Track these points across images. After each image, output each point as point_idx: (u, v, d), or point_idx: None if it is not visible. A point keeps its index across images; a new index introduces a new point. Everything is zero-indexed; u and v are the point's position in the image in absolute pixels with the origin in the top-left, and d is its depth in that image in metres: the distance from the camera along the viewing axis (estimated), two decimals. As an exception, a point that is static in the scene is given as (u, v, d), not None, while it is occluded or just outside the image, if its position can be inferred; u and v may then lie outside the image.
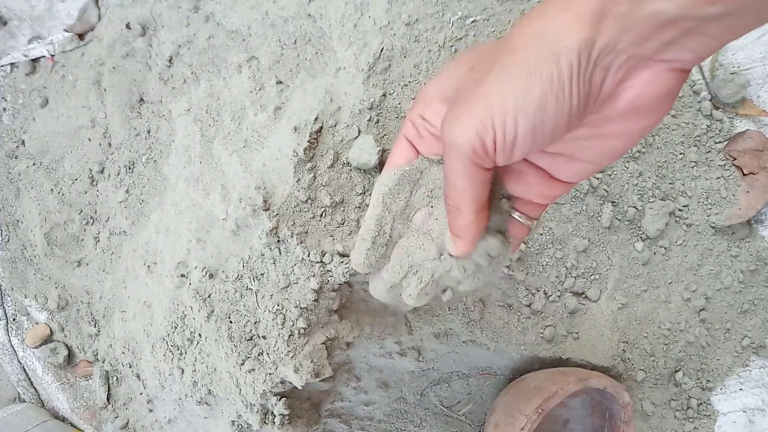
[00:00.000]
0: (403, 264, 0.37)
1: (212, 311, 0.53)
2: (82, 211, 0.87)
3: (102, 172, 0.85)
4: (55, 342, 0.89)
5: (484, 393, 0.70)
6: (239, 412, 0.54)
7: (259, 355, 0.51)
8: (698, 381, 0.73)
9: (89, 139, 0.86)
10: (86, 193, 0.87)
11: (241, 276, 0.53)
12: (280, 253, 0.51)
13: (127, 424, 0.85)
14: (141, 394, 0.77)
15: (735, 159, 0.71)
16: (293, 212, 0.52)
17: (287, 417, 0.51)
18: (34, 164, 0.90)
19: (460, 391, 0.69)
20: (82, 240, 0.88)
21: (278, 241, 0.51)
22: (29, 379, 0.90)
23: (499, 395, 0.68)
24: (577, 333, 0.69)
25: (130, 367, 0.75)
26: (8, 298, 0.91)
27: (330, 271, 0.50)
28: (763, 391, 0.72)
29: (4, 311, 0.91)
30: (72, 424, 0.88)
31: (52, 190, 0.89)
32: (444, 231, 0.36)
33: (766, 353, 0.72)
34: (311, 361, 0.49)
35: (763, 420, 0.72)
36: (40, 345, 0.88)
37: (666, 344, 0.71)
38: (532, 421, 0.59)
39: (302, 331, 0.50)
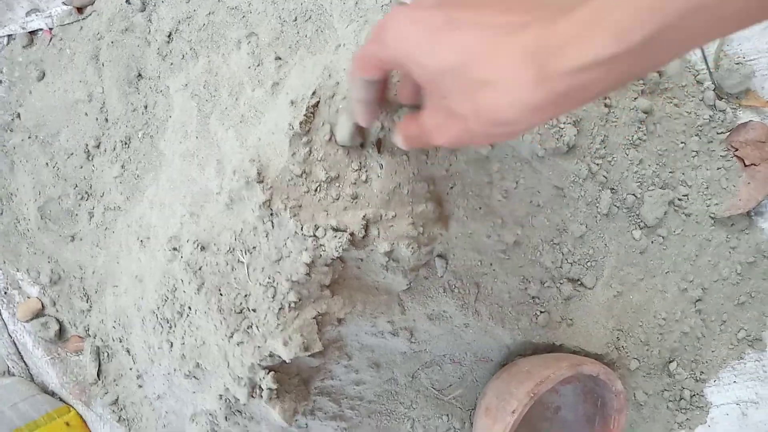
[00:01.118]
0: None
1: (202, 283, 0.52)
2: (77, 186, 0.86)
3: (98, 146, 0.85)
4: (46, 316, 0.88)
5: (476, 377, 0.69)
6: (227, 386, 0.53)
7: (248, 328, 0.50)
8: (692, 372, 0.72)
9: (86, 113, 0.85)
10: (82, 167, 0.86)
11: (233, 249, 0.52)
12: (272, 226, 0.50)
13: (116, 400, 0.85)
14: (131, 369, 0.76)
15: (737, 150, 0.71)
16: (287, 186, 0.51)
17: (275, 391, 0.51)
18: (29, 137, 0.89)
19: (452, 374, 0.68)
20: (77, 215, 0.87)
21: (271, 214, 0.50)
22: (19, 353, 0.89)
23: (490, 379, 0.67)
24: (571, 320, 0.68)
25: (121, 341, 0.74)
26: (0, 272, 0.91)
27: (323, 245, 0.49)
28: (757, 384, 0.72)
29: (-4, 285, 0.91)
30: (61, 399, 0.87)
31: (47, 164, 0.88)
32: None
33: (761, 346, 0.72)
34: (301, 335, 0.48)
35: (756, 413, 0.72)
36: (31, 319, 0.88)
37: (661, 334, 0.70)
38: (524, 404, 0.59)
39: (293, 304, 0.49)
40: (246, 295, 0.51)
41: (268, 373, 0.50)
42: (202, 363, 0.55)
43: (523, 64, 0.28)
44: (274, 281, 0.49)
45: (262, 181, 0.51)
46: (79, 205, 0.87)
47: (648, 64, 0.28)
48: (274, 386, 0.50)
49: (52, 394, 0.88)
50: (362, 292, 0.55)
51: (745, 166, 0.70)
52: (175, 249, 0.59)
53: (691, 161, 0.69)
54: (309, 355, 0.52)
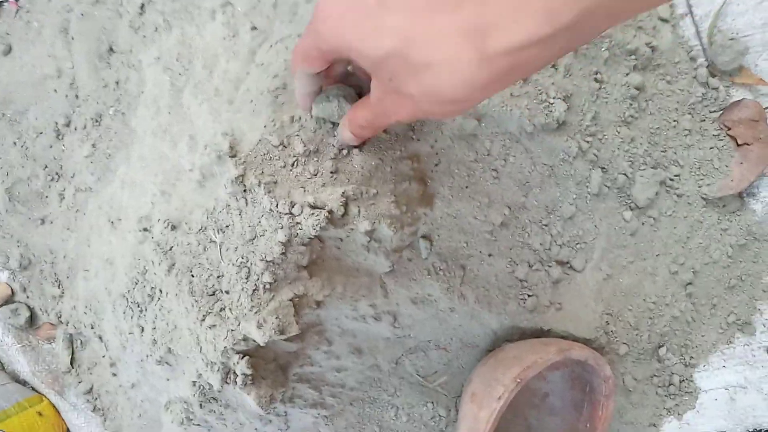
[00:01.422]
0: None
1: (173, 264, 0.49)
2: (46, 167, 0.83)
3: (68, 125, 0.81)
4: (16, 303, 0.85)
5: (462, 363, 0.67)
6: (200, 371, 0.51)
7: (221, 311, 0.47)
8: (681, 357, 0.71)
9: (55, 90, 0.81)
10: (51, 147, 0.82)
11: (205, 228, 0.49)
12: (246, 203, 0.47)
13: (91, 389, 0.82)
14: (104, 357, 0.73)
15: (729, 129, 0.69)
16: (262, 160, 0.48)
17: (250, 377, 0.48)
18: (-4, 115, 0.85)
19: (437, 360, 0.66)
20: (47, 197, 0.83)
21: (245, 190, 0.47)
22: (-12, 340, 0.86)
23: (477, 365, 0.65)
24: (560, 304, 0.66)
25: (92, 327, 0.71)
26: (-33, 257, 0.87)
27: (299, 223, 0.47)
28: (746, 368, 0.71)
29: (-37, 270, 0.87)
30: (33, 389, 0.84)
31: (15, 143, 0.84)
32: None
33: (750, 330, 0.70)
34: (276, 318, 0.46)
35: (745, 397, 0.70)
36: (1, 305, 0.84)
37: (651, 318, 0.68)
38: (510, 390, 0.57)
39: (268, 286, 0.46)
40: (219, 277, 0.48)
41: (242, 358, 0.48)
42: (174, 348, 0.52)
43: (462, 45, 0.29)
44: (248, 261, 0.47)
45: (235, 155, 0.48)
46: (49, 187, 0.83)
47: (581, 39, 0.29)
48: (249, 372, 0.48)
49: (24, 383, 0.85)
50: (342, 273, 0.52)
51: (738, 145, 0.68)
52: (145, 229, 0.56)
53: (683, 140, 0.67)
54: (285, 339, 0.49)
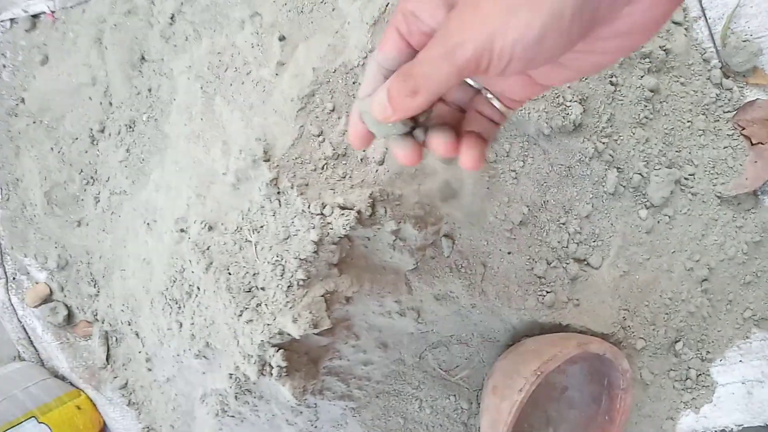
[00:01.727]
0: None
1: (211, 263, 0.53)
2: (82, 171, 0.86)
3: (102, 131, 0.85)
4: (54, 302, 0.89)
5: (483, 358, 0.69)
6: (237, 364, 0.54)
7: (257, 306, 0.50)
8: (698, 352, 0.72)
9: (90, 97, 0.85)
10: (86, 152, 0.86)
11: (241, 228, 0.52)
12: (279, 204, 0.50)
13: (126, 384, 0.85)
14: (140, 352, 0.77)
15: (743, 129, 0.70)
16: (294, 164, 0.51)
17: (285, 369, 0.51)
18: (34, 122, 0.89)
19: (459, 355, 0.69)
20: (82, 200, 0.87)
21: (278, 192, 0.50)
22: (29, 338, 0.90)
23: (498, 359, 0.67)
24: (577, 300, 0.68)
25: (129, 324, 0.75)
26: (8, 257, 0.91)
27: (330, 223, 0.49)
28: (764, 363, 0.72)
29: (4, 270, 0.91)
30: (71, 383, 0.88)
31: (52, 148, 0.88)
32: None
33: (767, 326, 0.72)
34: (310, 312, 0.49)
35: (762, 391, 0.72)
36: (40, 304, 0.88)
37: (667, 314, 0.70)
38: (531, 383, 0.59)
39: (301, 282, 0.49)
40: (254, 274, 0.51)
41: (277, 351, 0.51)
42: (212, 342, 0.55)
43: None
44: (282, 259, 0.49)
45: (269, 160, 0.51)
46: (85, 190, 0.87)
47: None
48: (284, 364, 0.51)
49: (63, 378, 0.89)
50: (370, 271, 0.55)
51: (752, 144, 0.70)
52: (182, 230, 0.60)
53: (697, 140, 0.69)
54: (318, 333, 0.52)
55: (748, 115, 0.70)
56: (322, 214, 0.49)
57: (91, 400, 0.86)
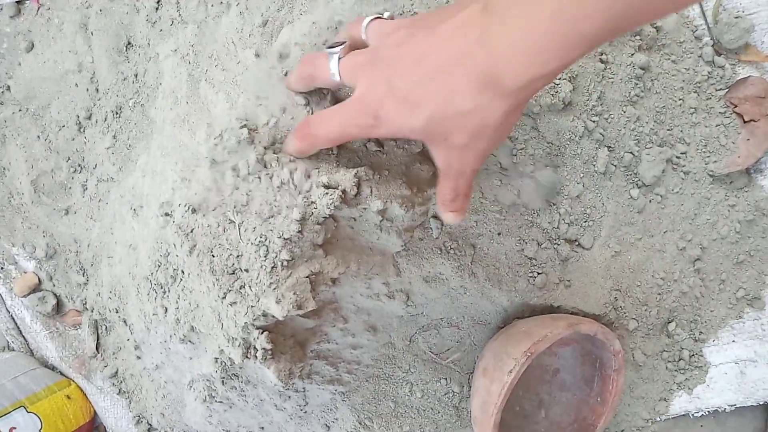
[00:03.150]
0: None
1: (194, 245, 0.52)
2: (69, 159, 0.86)
3: (89, 118, 0.84)
4: (43, 291, 0.88)
5: (474, 340, 0.69)
6: (221, 347, 0.53)
7: (241, 288, 0.50)
8: (691, 332, 0.72)
9: (76, 84, 0.84)
10: (73, 139, 0.85)
11: (224, 209, 0.52)
12: (260, 181, 0.50)
13: (116, 372, 0.85)
14: (128, 340, 0.76)
15: (736, 106, 0.69)
16: (278, 142, 0.50)
17: (270, 352, 0.50)
18: (20, 110, 0.88)
19: (450, 338, 0.68)
20: (70, 188, 0.86)
21: (261, 170, 0.49)
22: (18, 327, 0.89)
23: (488, 342, 0.67)
24: (569, 281, 0.68)
25: (117, 312, 0.74)
26: (-4, 247, 0.90)
27: (314, 202, 0.49)
28: (756, 342, 0.72)
29: (-8, 260, 0.90)
30: (61, 373, 0.88)
31: (38, 136, 0.87)
32: None
33: (760, 305, 0.71)
34: (294, 293, 0.48)
35: (755, 371, 0.71)
36: (29, 294, 0.88)
37: (659, 294, 0.70)
38: (521, 363, 0.58)
39: (285, 263, 0.48)
40: (238, 256, 0.50)
41: (261, 333, 0.50)
42: (197, 326, 0.55)
43: (482, 92, 0.36)
44: (266, 240, 0.49)
45: (253, 141, 0.50)
46: (72, 178, 0.86)
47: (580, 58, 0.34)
48: (269, 346, 0.50)
49: (52, 368, 0.88)
50: (356, 252, 0.54)
51: (745, 122, 0.69)
52: (167, 214, 0.59)
53: (689, 118, 0.68)
54: (303, 315, 0.52)
55: (741, 93, 0.69)
56: (306, 192, 0.48)
57: (81, 390, 0.86)
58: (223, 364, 0.55)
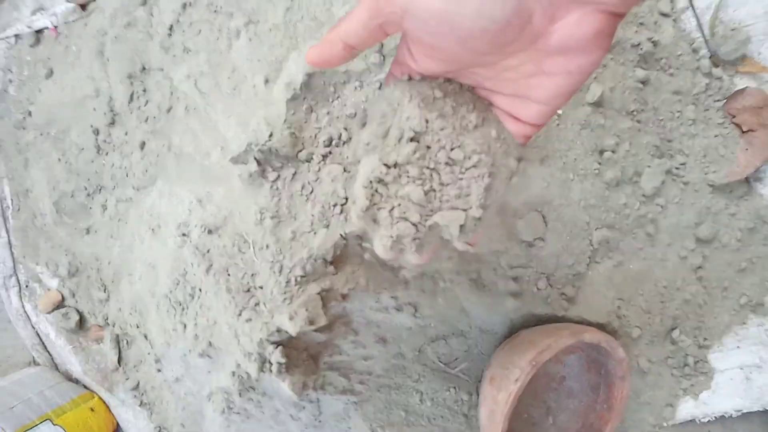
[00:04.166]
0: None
1: (211, 265, 0.54)
2: (89, 180, 0.89)
3: (107, 141, 0.87)
4: (66, 307, 0.91)
5: (481, 349, 0.71)
6: (238, 362, 0.56)
7: (255, 305, 0.52)
8: (695, 339, 0.73)
9: (94, 108, 0.88)
10: (93, 162, 0.89)
11: (239, 231, 0.54)
12: (276, 206, 0.52)
13: (137, 385, 0.88)
14: (149, 354, 0.79)
15: (734, 117, 0.71)
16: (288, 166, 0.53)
17: (284, 366, 0.53)
18: (41, 135, 0.92)
19: (458, 348, 0.70)
20: (90, 208, 0.90)
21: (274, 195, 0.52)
22: (43, 343, 0.93)
23: (495, 351, 0.69)
24: (573, 291, 0.69)
25: (138, 327, 0.77)
26: (21, 266, 0.94)
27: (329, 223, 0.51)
28: (761, 348, 0.73)
29: (17, 279, 0.94)
30: (85, 386, 0.91)
31: (59, 159, 0.90)
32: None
33: (764, 311, 0.72)
34: (306, 309, 0.50)
35: (760, 377, 0.72)
36: (53, 310, 0.91)
37: (662, 302, 0.71)
38: (526, 373, 0.60)
39: (298, 279, 0.51)
40: (253, 274, 0.53)
41: (276, 348, 0.52)
42: (215, 342, 0.57)
43: None
44: (280, 258, 0.51)
45: (261, 163, 0.53)
46: (93, 199, 0.89)
47: None
48: (283, 360, 0.52)
49: (76, 381, 0.92)
50: (364, 268, 0.57)
51: (743, 132, 0.71)
52: (184, 234, 0.62)
53: (687, 130, 0.70)
54: (315, 330, 0.54)
55: (739, 103, 0.71)
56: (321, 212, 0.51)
57: (104, 402, 0.89)
58: (240, 377, 0.57)
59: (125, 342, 0.88)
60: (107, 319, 0.89)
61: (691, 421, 0.74)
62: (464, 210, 0.36)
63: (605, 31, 0.30)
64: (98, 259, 0.90)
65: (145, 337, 0.76)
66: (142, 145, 0.83)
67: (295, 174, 0.55)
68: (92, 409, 0.87)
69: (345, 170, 0.55)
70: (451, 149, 0.36)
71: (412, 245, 0.37)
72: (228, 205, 0.59)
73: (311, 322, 0.50)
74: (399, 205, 0.36)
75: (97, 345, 0.91)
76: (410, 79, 0.36)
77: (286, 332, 0.52)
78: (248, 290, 0.53)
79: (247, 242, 0.53)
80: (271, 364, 0.53)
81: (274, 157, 0.55)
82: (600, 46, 0.30)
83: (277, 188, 0.54)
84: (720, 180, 0.70)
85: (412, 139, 0.35)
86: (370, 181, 0.36)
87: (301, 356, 0.56)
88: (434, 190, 0.36)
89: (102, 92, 0.87)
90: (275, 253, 0.52)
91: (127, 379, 0.88)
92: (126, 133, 0.85)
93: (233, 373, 0.57)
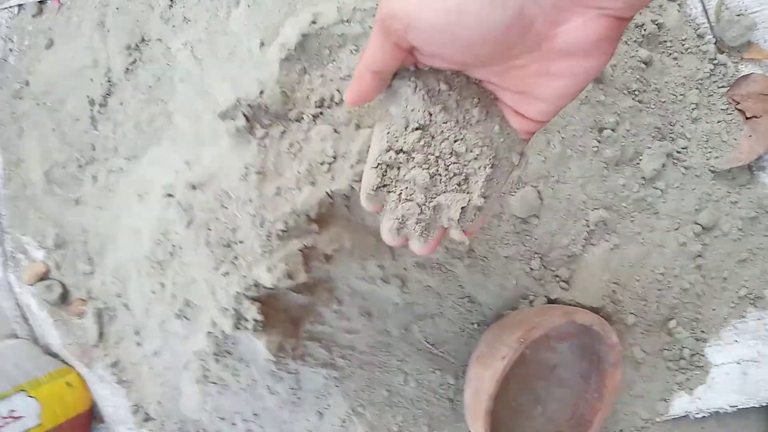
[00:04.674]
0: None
1: (192, 220, 0.53)
2: (82, 151, 0.88)
3: (102, 112, 0.86)
4: (50, 280, 0.90)
5: (470, 331, 0.68)
6: (214, 319, 0.54)
7: (235, 259, 0.50)
8: (692, 331, 0.71)
9: (91, 79, 0.87)
10: (87, 133, 0.88)
11: (223, 186, 0.53)
12: (263, 161, 0.51)
13: (117, 362, 0.85)
14: (129, 326, 0.77)
15: (738, 103, 0.69)
16: (276, 120, 0.51)
17: (261, 323, 0.51)
18: (37, 104, 0.91)
19: (446, 329, 0.68)
20: (81, 179, 0.88)
21: (261, 151, 0.51)
22: (24, 315, 0.91)
23: (484, 332, 0.67)
24: (567, 273, 0.67)
25: (119, 296, 0.75)
26: (7, 236, 0.93)
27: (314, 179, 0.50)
28: (759, 342, 0.70)
29: (3, 249, 0.92)
30: (63, 361, 0.89)
31: (53, 129, 0.90)
32: None
33: (763, 304, 0.70)
34: (285, 264, 0.48)
35: (758, 372, 0.70)
36: (36, 282, 0.89)
37: (659, 289, 0.69)
38: (514, 350, 0.58)
39: (280, 234, 0.49)
40: (234, 229, 0.51)
41: (253, 303, 0.50)
42: (191, 299, 0.55)
43: None
44: (262, 211, 0.50)
45: (250, 119, 0.51)
46: (84, 170, 0.88)
47: None
48: (260, 317, 0.50)
49: (55, 355, 0.89)
50: (350, 231, 0.55)
51: (747, 118, 0.69)
52: (169, 195, 0.60)
53: (690, 114, 0.68)
54: (296, 291, 0.52)
55: (743, 90, 0.69)
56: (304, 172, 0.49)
57: (82, 378, 0.86)
58: (216, 339, 0.55)
59: (107, 317, 0.86)
60: (91, 293, 0.87)
61: (684, 416, 0.72)
62: (468, 194, 0.38)
63: (609, 36, 0.30)
64: (86, 231, 0.88)
65: (126, 306, 0.74)
66: (137, 113, 0.82)
67: (284, 132, 0.54)
68: (69, 384, 0.85)
69: (335, 131, 0.54)
70: (455, 141, 0.37)
71: (416, 228, 0.38)
72: (215, 164, 0.57)
73: (290, 277, 0.48)
74: (405, 188, 0.37)
75: (78, 319, 0.89)
76: (417, 68, 0.36)
77: (264, 287, 0.50)
78: (228, 245, 0.51)
79: (230, 197, 0.52)
80: (247, 320, 0.51)
81: (263, 114, 0.53)
82: (604, 51, 0.31)
83: (265, 145, 0.53)
84: (722, 166, 0.68)
85: (417, 129, 0.36)
86: (378, 164, 0.37)
87: (280, 317, 0.54)
88: (439, 175, 0.37)
89: (100, 63, 0.86)
90: (258, 207, 0.50)
91: (106, 355, 0.86)
92: (121, 104, 0.84)
93: (209, 333, 0.55)
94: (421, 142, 0.37)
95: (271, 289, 0.50)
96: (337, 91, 0.56)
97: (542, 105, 0.35)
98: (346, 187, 0.52)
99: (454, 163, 0.38)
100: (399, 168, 0.37)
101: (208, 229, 0.52)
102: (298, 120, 0.54)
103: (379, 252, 0.58)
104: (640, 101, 0.66)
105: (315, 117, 0.55)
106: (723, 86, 0.70)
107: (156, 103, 0.81)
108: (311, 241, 0.51)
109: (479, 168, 0.37)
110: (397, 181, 0.38)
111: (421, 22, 0.30)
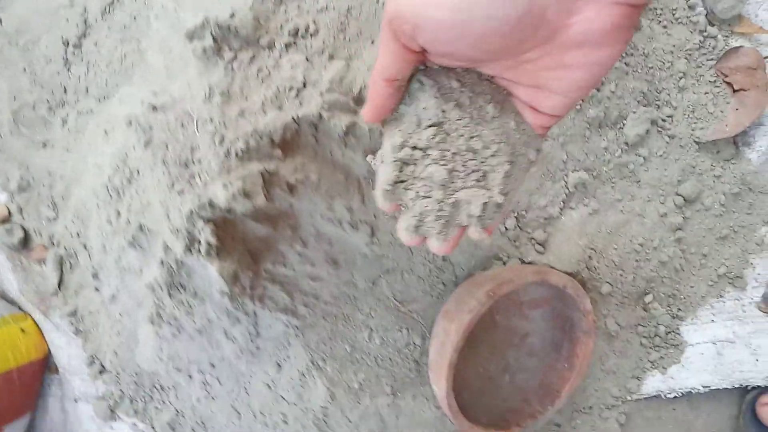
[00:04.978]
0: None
1: (150, 140, 0.50)
2: (53, 93, 0.85)
3: (76, 53, 0.83)
4: (11, 223, 0.86)
5: (439, 291, 0.66)
6: (166, 242, 0.51)
7: (191, 178, 0.48)
8: (668, 308, 0.69)
9: (67, 19, 0.84)
10: (59, 74, 0.84)
11: (185, 106, 0.50)
12: (228, 77, 0.48)
13: (75, 311, 0.82)
14: (87, 269, 0.74)
15: (726, 76, 0.68)
16: (248, 42, 0.49)
17: (215, 248, 0.48)
18: (9, 43, 0.88)
19: (415, 286, 0.65)
20: (50, 121, 0.85)
21: (227, 69, 0.48)
22: (-19, 259, 0.87)
23: (454, 290, 0.64)
24: (542, 236, 0.65)
25: (79, 236, 0.72)
26: (-30, 177, 0.89)
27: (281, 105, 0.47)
28: (736, 323, 0.68)
29: (-35, 191, 0.89)
30: (19, 308, 0.85)
31: (25, 69, 0.86)
32: None
33: (742, 284, 0.68)
34: (242, 182, 0.46)
35: (733, 352, 0.68)
36: (-3, 225, 0.86)
37: (637, 260, 0.67)
38: (482, 303, 0.56)
39: (239, 153, 0.46)
40: (192, 148, 0.48)
41: (207, 224, 0.48)
42: (146, 223, 0.52)
43: None
44: (222, 129, 0.47)
45: (220, 43, 0.49)
46: (54, 113, 0.85)
47: None
48: (213, 240, 0.48)
49: (12, 301, 0.86)
50: (317, 163, 0.53)
51: (735, 91, 0.68)
52: (130, 122, 0.57)
53: (677, 83, 0.66)
54: (254, 218, 0.49)
55: (732, 63, 0.68)
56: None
57: (37, 325, 0.83)
58: (170, 267, 0.52)
59: (68, 265, 0.83)
60: (53, 238, 0.84)
61: (656, 396, 0.70)
62: (487, 190, 0.36)
63: (624, 24, 0.29)
64: (51, 175, 0.85)
65: (85, 246, 0.71)
66: (110, 53, 0.79)
67: (253, 57, 0.51)
68: (23, 330, 0.81)
69: (307, 60, 0.52)
70: (471, 138, 0.36)
71: (435, 226, 0.37)
72: (182, 91, 0.55)
73: (247, 196, 0.46)
74: (423, 185, 0.36)
75: (39, 266, 0.86)
76: (427, 67, 0.35)
77: (220, 208, 0.47)
78: (185, 165, 0.48)
79: (192, 118, 0.49)
80: (200, 243, 0.48)
81: (232, 37, 0.51)
82: (619, 40, 0.30)
83: (232, 68, 0.51)
84: (707, 137, 0.67)
85: (430, 126, 0.35)
86: (395, 159, 0.35)
87: (237, 247, 0.51)
88: (457, 171, 0.36)
89: (76, 3, 0.84)
90: (218, 126, 0.47)
91: (65, 303, 0.83)
92: (96, 44, 0.81)
93: (162, 262, 0.52)
94: (436, 139, 0.35)
95: (227, 211, 0.47)
96: (313, 22, 0.53)
97: (557, 98, 0.34)
98: (315, 114, 0.50)
99: (471, 159, 0.36)
100: (415, 164, 0.36)
101: (166, 148, 0.49)
102: (270, 48, 0.52)
103: (347, 192, 0.56)
104: (626, 63, 0.64)
105: (287, 46, 0.52)
106: (712, 59, 0.68)
107: (130, 42, 0.78)
108: (273, 166, 0.49)
109: (497, 165, 0.36)
110: (413, 178, 0.36)
111: (429, 18, 0.30)
